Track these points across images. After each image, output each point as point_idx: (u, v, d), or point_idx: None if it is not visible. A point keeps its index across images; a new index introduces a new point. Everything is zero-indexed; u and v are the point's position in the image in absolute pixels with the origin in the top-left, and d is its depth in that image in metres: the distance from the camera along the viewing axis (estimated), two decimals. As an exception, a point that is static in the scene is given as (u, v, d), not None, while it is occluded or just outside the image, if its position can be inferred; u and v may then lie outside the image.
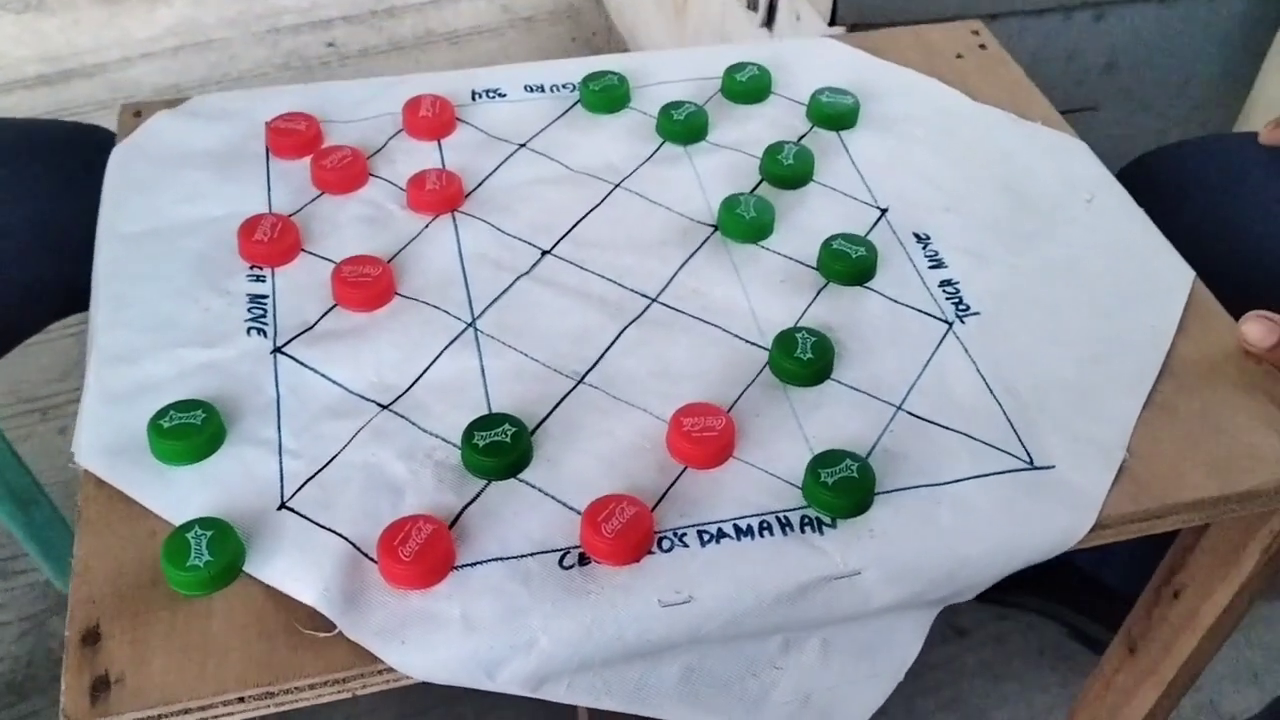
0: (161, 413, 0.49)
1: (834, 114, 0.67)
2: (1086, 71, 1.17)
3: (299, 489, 0.48)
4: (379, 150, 0.64)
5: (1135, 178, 0.76)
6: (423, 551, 0.44)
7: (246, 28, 1.81)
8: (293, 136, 0.63)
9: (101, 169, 0.65)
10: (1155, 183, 0.75)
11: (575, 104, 0.68)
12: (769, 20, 1.21)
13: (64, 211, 0.75)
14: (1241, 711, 1.05)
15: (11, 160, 0.77)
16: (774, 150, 0.63)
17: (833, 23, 1.02)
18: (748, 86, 0.68)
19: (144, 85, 1.71)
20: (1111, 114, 1.22)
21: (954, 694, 1.06)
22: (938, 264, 0.59)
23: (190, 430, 0.48)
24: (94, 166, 0.69)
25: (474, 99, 0.68)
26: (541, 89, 0.69)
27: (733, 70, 0.69)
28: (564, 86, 0.69)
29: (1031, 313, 0.57)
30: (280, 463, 0.49)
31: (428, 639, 0.43)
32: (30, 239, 0.75)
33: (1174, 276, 0.59)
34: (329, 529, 0.46)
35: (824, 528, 0.47)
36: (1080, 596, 1.06)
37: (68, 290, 0.76)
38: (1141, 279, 0.59)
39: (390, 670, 0.43)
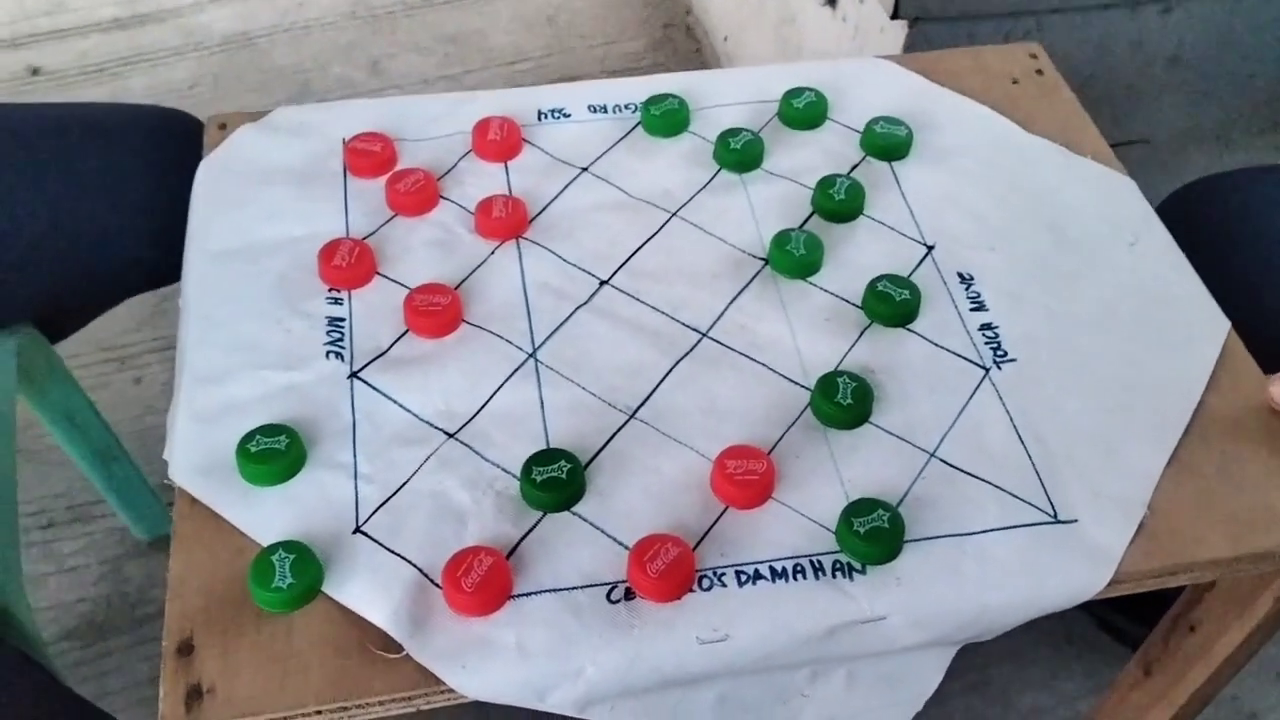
0: (248, 437, 0.53)
1: (887, 145, 0.69)
2: (1150, 64, 1.17)
3: (372, 514, 0.52)
4: (449, 171, 0.67)
5: (1183, 207, 0.77)
6: (483, 582, 0.49)
7: (316, -27, 1.83)
8: (369, 157, 0.66)
9: (188, 154, 0.69)
10: (1203, 214, 0.76)
11: (636, 126, 0.71)
12: (833, 1, 1.22)
13: (157, 194, 0.79)
14: (1264, 709, 1.08)
15: (116, 143, 0.82)
16: (826, 184, 0.66)
17: (895, 15, 1.03)
18: (804, 113, 0.70)
19: (215, 31, 1.74)
20: (1176, 106, 1.21)
21: (981, 677, 1.10)
22: (979, 306, 0.62)
23: (275, 454, 0.53)
24: (182, 152, 0.73)
25: (540, 119, 0.71)
26: (604, 109, 0.71)
27: (790, 96, 0.71)
28: (626, 107, 0.71)
29: (1065, 359, 0.59)
30: (356, 487, 0.53)
31: (486, 664, 0.48)
32: (129, 218, 0.79)
33: (1209, 327, 0.61)
34: (398, 554, 0.51)
35: (854, 574, 0.51)
36: (1110, 588, 1.08)
37: (159, 265, 0.81)
38: (1177, 328, 0.61)
39: (451, 690, 0.48)
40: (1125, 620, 1.08)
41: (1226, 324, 0.61)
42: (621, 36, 1.75)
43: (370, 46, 1.72)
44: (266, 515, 0.52)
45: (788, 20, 1.37)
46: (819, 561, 0.51)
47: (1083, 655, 1.12)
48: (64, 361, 0.96)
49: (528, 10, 1.79)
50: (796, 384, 0.58)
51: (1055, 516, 0.53)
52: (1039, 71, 0.75)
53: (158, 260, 0.79)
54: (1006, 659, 1.11)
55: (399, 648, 0.48)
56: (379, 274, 0.62)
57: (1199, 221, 0.74)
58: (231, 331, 0.59)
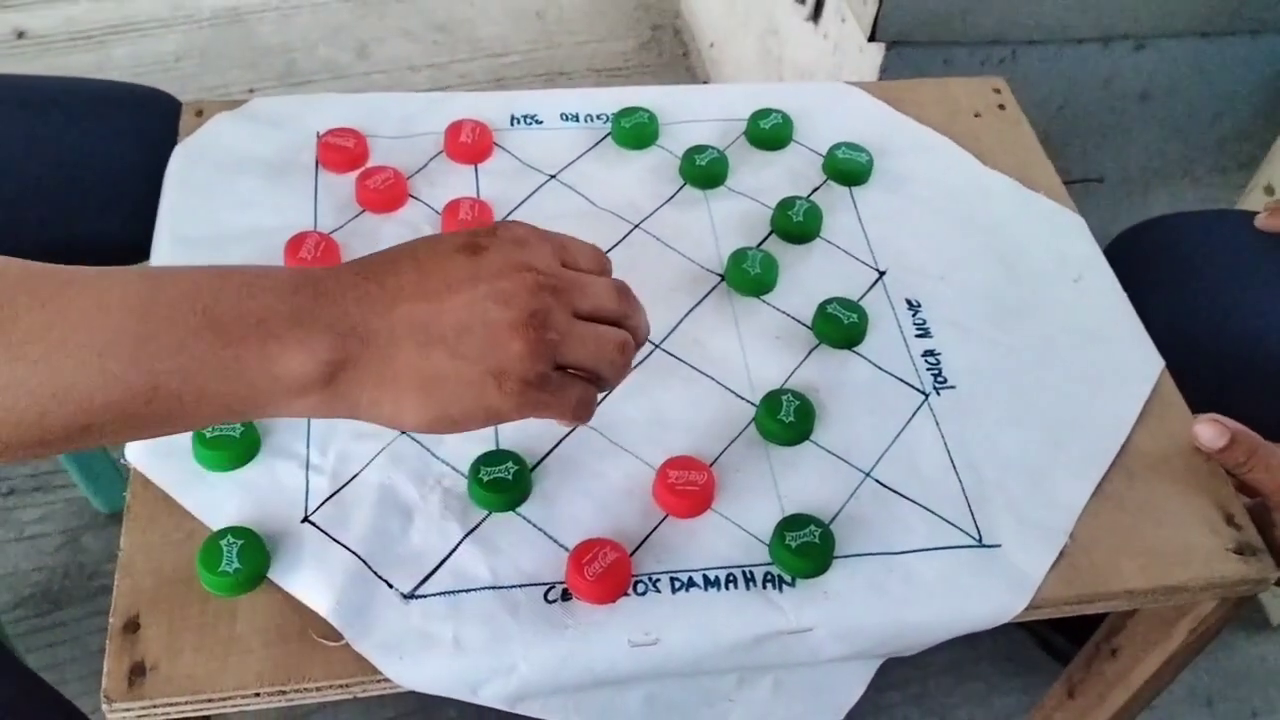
0: (204, 423, 0.55)
1: (848, 170, 0.71)
2: (1120, 99, 1.19)
3: (321, 505, 0.54)
4: (420, 170, 0.69)
5: (1129, 246, 0.80)
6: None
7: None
8: (341, 153, 0.67)
9: (167, 134, 0.70)
10: (1147, 253, 0.78)
11: (606, 136, 0.72)
12: (815, 15, 1.24)
13: (135, 171, 0.80)
14: (1192, 734, 1.11)
15: (95, 119, 0.83)
16: (786, 205, 0.68)
17: (872, 38, 1.05)
18: (770, 134, 0.72)
19: (204, 6, 1.74)
20: (1144, 140, 1.24)
21: (920, 690, 1.12)
22: (924, 333, 0.64)
23: (229, 441, 0.54)
24: (161, 132, 0.74)
25: (512, 124, 0.72)
26: (576, 118, 0.73)
27: (758, 116, 0.73)
28: (598, 118, 0.73)
29: (1002, 391, 0.62)
30: (307, 477, 0.55)
31: (422, 656, 0.50)
32: (104, 193, 0.80)
33: (1143, 365, 0.64)
34: (345, 545, 0.52)
35: (784, 586, 0.53)
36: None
37: (130, 244, 0.82)
38: (1112, 365, 0.63)
39: (387, 680, 0.50)
40: (1064, 640, 1.10)
41: (1160, 363, 0.64)
42: (610, 36, 1.77)
43: (358, 30, 1.73)
44: (218, 500, 0.53)
45: (772, 31, 1.39)
46: (751, 572, 0.53)
47: (1021, 673, 1.14)
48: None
49: (518, 4, 1.80)
50: (743, 399, 0.60)
51: (980, 540, 0.55)
52: (1001, 106, 0.78)
53: (132, 237, 0.80)
54: (947, 673, 1.14)
55: (339, 636, 0.50)
56: (344, 269, 0.63)
57: (1145, 261, 0.77)
58: (195, 318, 0.60)
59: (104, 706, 0.48)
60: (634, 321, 0.49)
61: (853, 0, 1.07)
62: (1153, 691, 0.67)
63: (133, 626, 0.50)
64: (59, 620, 1.10)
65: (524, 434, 0.57)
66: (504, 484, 0.54)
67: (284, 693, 0.49)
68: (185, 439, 0.55)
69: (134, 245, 0.81)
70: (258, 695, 0.49)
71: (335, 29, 1.73)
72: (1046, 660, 1.13)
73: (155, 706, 0.48)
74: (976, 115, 0.77)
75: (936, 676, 1.13)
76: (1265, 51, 1.17)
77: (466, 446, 0.56)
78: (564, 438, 0.57)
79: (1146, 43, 1.14)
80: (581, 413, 0.48)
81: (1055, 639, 1.12)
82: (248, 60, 1.67)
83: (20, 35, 1.67)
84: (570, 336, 0.46)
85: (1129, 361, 0.64)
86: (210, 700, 0.48)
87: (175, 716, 0.49)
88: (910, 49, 1.06)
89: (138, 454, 0.55)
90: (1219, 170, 1.31)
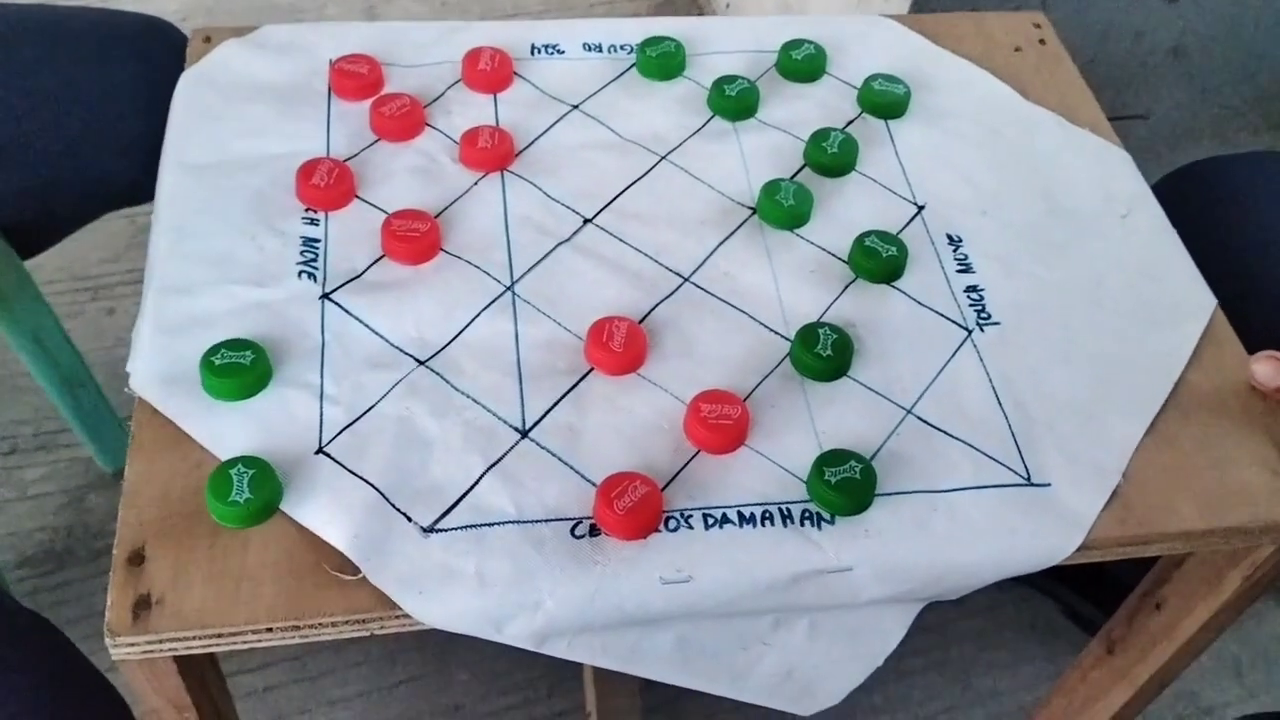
0: (213, 350, 0.52)
1: (884, 103, 0.68)
2: (1152, 52, 1.16)
3: (336, 436, 0.51)
4: (436, 99, 0.66)
5: (1178, 187, 0.77)
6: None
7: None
8: (355, 79, 0.64)
9: (172, 68, 0.67)
10: (1198, 194, 0.75)
11: (631, 67, 0.69)
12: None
13: (132, 107, 0.77)
14: (1221, 705, 1.08)
15: (99, 50, 0.79)
16: (820, 137, 0.65)
17: (901, -14, 1.02)
18: (802, 65, 0.69)
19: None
20: (1175, 99, 1.21)
21: (942, 656, 1.10)
22: (966, 268, 0.61)
23: (239, 369, 0.51)
24: (166, 65, 0.71)
25: (533, 53, 0.69)
26: (599, 48, 0.70)
27: (789, 47, 0.70)
28: (622, 48, 0.70)
29: (1050, 328, 0.59)
30: (321, 408, 0.52)
31: (443, 591, 0.47)
32: (98, 131, 0.77)
33: (1196, 303, 0.61)
34: (361, 477, 0.50)
35: (823, 523, 0.50)
36: (1079, 578, 1.08)
37: (130, 183, 0.79)
38: (1163, 303, 0.60)
39: (407, 615, 0.47)
40: (1091, 608, 1.08)
41: (1213, 301, 0.61)
42: (618, 3, 1.73)
43: (365, -9, 1.70)
44: (227, 430, 0.51)
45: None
46: (788, 509, 0.51)
47: (1046, 642, 1.12)
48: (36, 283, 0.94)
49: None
50: (777, 334, 0.57)
51: (1029, 479, 0.53)
52: (1042, 41, 0.75)
53: (134, 175, 0.77)
54: (969, 640, 1.12)
55: (355, 570, 0.47)
56: (358, 197, 0.60)
57: (1194, 202, 0.74)
58: (203, 244, 0.57)
59: (108, 641, 0.45)
60: None
61: (879, -54, 1.04)
62: (1199, 647, 0.65)
63: (137, 559, 0.47)
64: (64, 580, 1.08)
65: (547, 368, 0.55)
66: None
67: (298, 628, 0.46)
68: (194, 366, 0.52)
69: (137, 181, 0.78)
70: (270, 630, 0.46)
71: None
72: (1072, 629, 1.10)
73: (161, 641, 0.45)
74: (1017, 50, 0.73)
75: (960, 644, 1.11)
76: (1302, 4, 1.14)
77: (487, 379, 0.54)
78: (585, 374, 0.55)
79: (1181, -6, 1.11)
80: None
81: (1083, 607, 1.09)
82: (255, 19, 1.63)
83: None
84: None
85: (1180, 299, 0.61)
86: (220, 635, 0.46)
87: (182, 653, 0.46)
88: (932, 15, 1.02)
89: (144, 383, 0.52)
90: (1250, 130, 1.28)
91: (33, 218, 0.86)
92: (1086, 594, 1.09)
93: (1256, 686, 1.11)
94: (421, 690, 1.03)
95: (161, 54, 0.79)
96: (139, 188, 0.79)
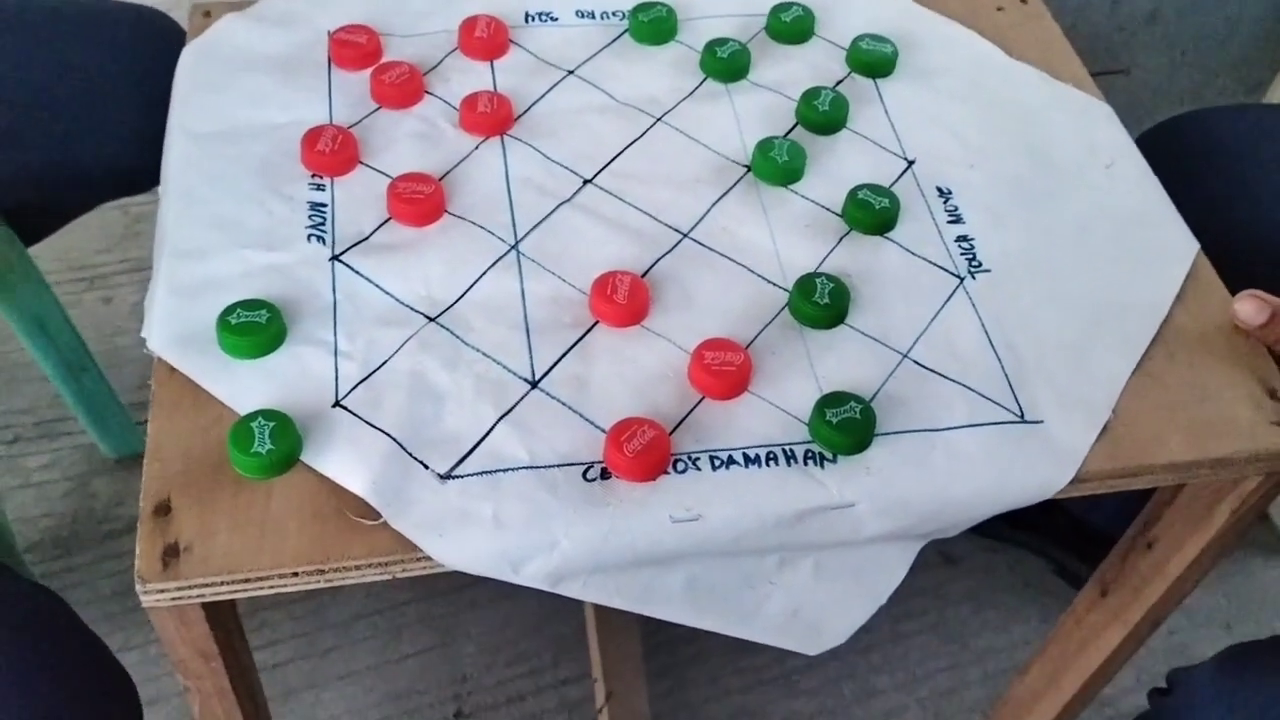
0: (229, 310, 0.53)
1: (872, 61, 0.69)
2: (1130, 18, 1.18)
3: (351, 389, 0.53)
4: (435, 67, 0.67)
5: (1160, 140, 0.79)
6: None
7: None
8: (354, 49, 0.66)
9: (166, 57, 0.68)
10: (1179, 147, 0.77)
11: (623, 33, 0.71)
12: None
13: (127, 96, 0.78)
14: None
15: (79, 38, 0.80)
16: (811, 95, 0.66)
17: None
18: (792, 27, 0.71)
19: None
20: (1152, 63, 1.23)
21: (938, 618, 1.12)
22: (956, 219, 0.63)
23: (255, 328, 0.53)
24: (162, 52, 0.72)
25: (527, 21, 0.71)
26: (592, 15, 0.72)
27: (778, 9, 0.71)
28: (614, 14, 0.72)
29: (1039, 273, 0.61)
30: (335, 363, 0.53)
31: (462, 533, 0.48)
32: (94, 118, 0.78)
33: (1179, 248, 0.63)
34: (378, 428, 0.51)
35: (825, 462, 0.52)
36: (1068, 536, 1.11)
37: (128, 170, 0.80)
38: (1148, 248, 0.62)
39: (428, 558, 0.48)
40: (1083, 566, 1.10)
41: (1195, 245, 0.63)
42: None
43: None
44: (245, 387, 0.52)
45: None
46: (791, 450, 0.52)
47: (1038, 600, 1.14)
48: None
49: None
50: (775, 285, 0.59)
51: (1022, 416, 0.55)
52: (1024, 0, 0.76)
53: (131, 161, 0.78)
54: (964, 601, 1.14)
55: (376, 515, 0.49)
56: (362, 163, 0.62)
57: (1175, 152, 0.76)
58: (213, 210, 0.59)
59: (139, 588, 0.47)
60: None
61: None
62: (1190, 584, 0.67)
63: (164, 510, 0.48)
64: (69, 565, 1.09)
65: (554, 322, 0.56)
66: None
67: (322, 571, 0.48)
68: (210, 327, 0.53)
69: (136, 169, 0.79)
70: (295, 575, 0.48)
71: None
72: (1064, 588, 1.13)
73: (190, 587, 0.47)
74: (999, 9, 0.75)
75: (955, 605, 1.13)
76: (1276, -33, 1.16)
77: (495, 333, 0.55)
78: (594, 324, 0.56)
79: (1157, -40, 1.13)
80: None
81: (1075, 565, 1.12)
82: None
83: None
84: None
85: (1164, 244, 0.63)
86: (247, 581, 0.47)
87: (210, 599, 0.48)
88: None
89: (162, 343, 0.53)
90: (1227, 93, 1.30)
91: (33, 204, 0.88)
92: (1076, 552, 1.11)
93: (1246, 638, 1.13)
94: (429, 662, 1.05)
95: (155, 42, 0.80)
96: (137, 175, 0.80)
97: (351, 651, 1.05)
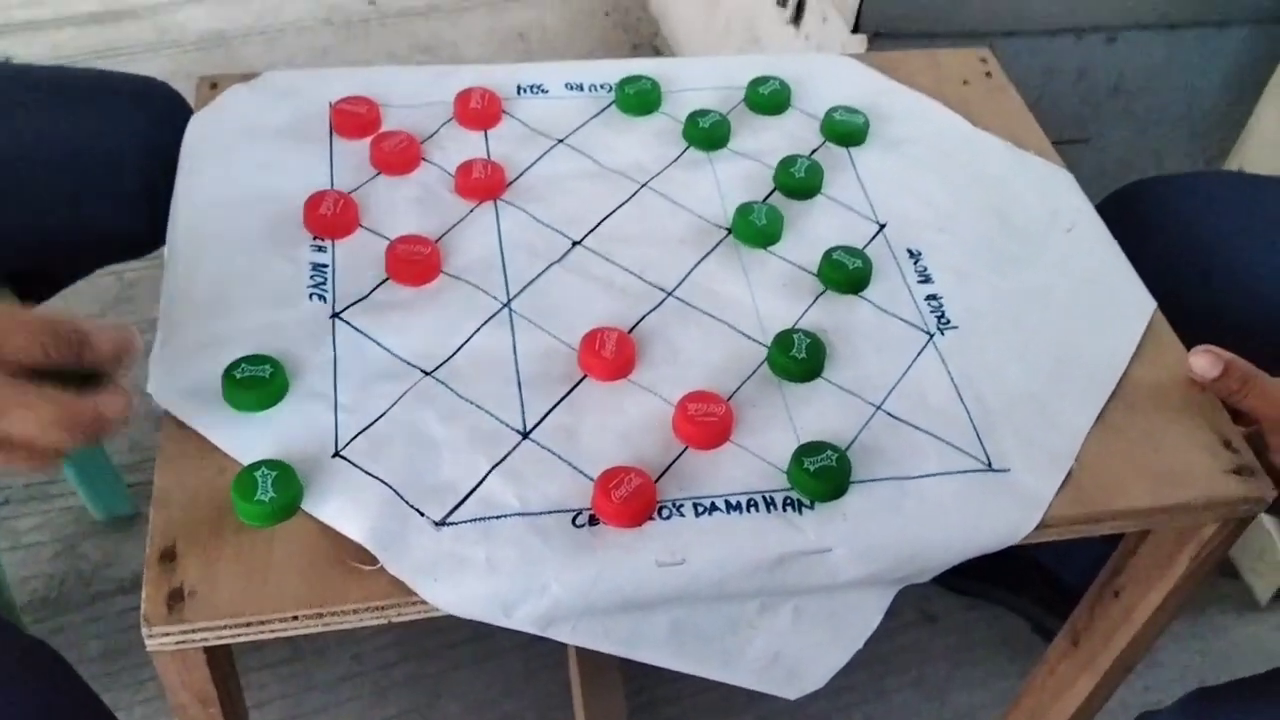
0: (234, 365, 0.56)
1: (845, 131, 0.73)
2: (1094, 90, 1.23)
3: (351, 440, 0.55)
4: (431, 136, 0.71)
5: (1120, 205, 0.83)
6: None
7: (291, -20, 1.87)
8: (355, 118, 0.69)
9: (169, 125, 0.71)
10: (1137, 211, 0.81)
11: (610, 104, 0.75)
12: (797, 18, 1.27)
13: (132, 162, 0.81)
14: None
15: (85, 106, 0.83)
16: (788, 163, 0.70)
17: (856, 30, 1.08)
18: (769, 99, 0.75)
19: (190, 30, 1.76)
20: (1116, 134, 1.28)
21: (920, 675, 1.14)
22: (926, 279, 0.66)
23: (259, 382, 0.55)
24: (162, 123, 0.75)
25: (519, 93, 0.74)
26: (581, 88, 0.75)
27: (756, 83, 0.75)
28: (601, 87, 0.75)
29: (1004, 330, 0.64)
30: (336, 416, 0.56)
31: (456, 577, 0.51)
32: (98, 184, 0.81)
33: (1137, 306, 0.66)
34: (376, 477, 0.53)
35: (803, 509, 0.54)
36: (1043, 593, 1.13)
37: (130, 235, 0.82)
38: (1107, 306, 0.66)
39: (423, 602, 0.50)
40: (1059, 623, 1.12)
41: (1152, 304, 0.66)
42: (590, 54, 1.80)
43: (343, 52, 1.75)
44: (249, 438, 0.54)
45: (752, 41, 1.43)
46: (771, 497, 0.55)
47: (1017, 658, 1.16)
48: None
49: (501, 26, 1.83)
50: (755, 340, 0.62)
51: (989, 465, 0.57)
52: (988, 74, 0.81)
53: (133, 227, 0.80)
54: (944, 659, 1.15)
55: (374, 561, 0.51)
56: (362, 226, 0.65)
57: (1134, 217, 0.79)
58: (219, 270, 0.61)
59: (144, 631, 0.48)
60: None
61: (835, -4, 1.11)
62: (1156, 629, 0.69)
63: (169, 556, 0.50)
64: (58, 626, 1.09)
65: (545, 375, 0.59)
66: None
67: (321, 615, 0.50)
68: (215, 381, 0.56)
69: (137, 235, 0.82)
70: (295, 619, 0.50)
71: (321, 51, 1.76)
72: (1042, 645, 1.14)
73: (195, 630, 0.49)
74: (965, 83, 0.80)
75: (935, 663, 1.15)
76: (1232, 43, 1.22)
77: (489, 387, 0.58)
78: (583, 377, 0.59)
79: (1118, 35, 1.18)
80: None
81: (1051, 621, 1.13)
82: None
83: (7, 60, 1.69)
84: None
85: (1123, 302, 0.66)
86: (249, 624, 0.49)
87: (214, 642, 0.50)
88: (891, 41, 1.09)
89: (168, 396, 0.56)
90: (1189, 162, 1.35)
91: (36, 267, 0.90)
92: (1051, 609, 1.13)
93: (1221, 691, 1.15)
94: (413, 723, 1.06)
95: (158, 111, 0.83)
96: (140, 239, 0.83)
97: (338, 712, 1.06)
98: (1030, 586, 1.14)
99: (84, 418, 0.49)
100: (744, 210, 0.67)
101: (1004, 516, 0.56)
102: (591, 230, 0.66)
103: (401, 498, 0.53)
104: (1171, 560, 0.64)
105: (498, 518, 0.53)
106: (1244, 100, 1.25)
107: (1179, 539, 0.63)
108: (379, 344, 0.59)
